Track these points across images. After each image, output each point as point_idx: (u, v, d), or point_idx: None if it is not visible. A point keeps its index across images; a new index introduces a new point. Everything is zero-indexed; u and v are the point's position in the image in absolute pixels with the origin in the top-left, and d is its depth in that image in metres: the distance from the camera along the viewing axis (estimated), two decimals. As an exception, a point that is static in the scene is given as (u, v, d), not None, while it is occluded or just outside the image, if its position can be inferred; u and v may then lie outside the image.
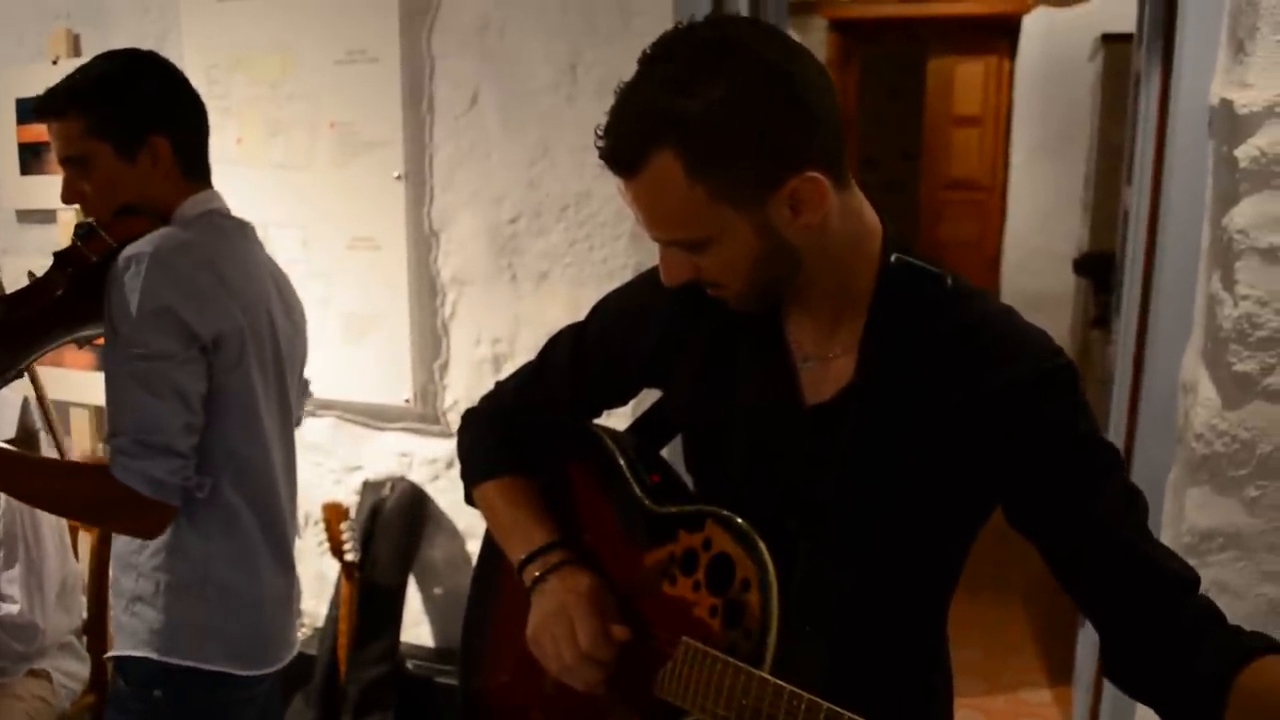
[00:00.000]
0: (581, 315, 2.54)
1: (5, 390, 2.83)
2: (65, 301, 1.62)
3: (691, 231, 1.06)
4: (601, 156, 1.08)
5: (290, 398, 1.87)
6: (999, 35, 7.37)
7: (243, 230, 1.81)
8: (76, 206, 2.93)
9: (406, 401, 2.75)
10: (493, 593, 1.48)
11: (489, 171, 2.60)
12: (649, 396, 1.41)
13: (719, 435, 1.24)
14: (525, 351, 2.63)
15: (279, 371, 1.80)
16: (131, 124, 1.66)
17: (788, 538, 1.11)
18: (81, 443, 3.13)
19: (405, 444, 2.82)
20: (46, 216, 3.15)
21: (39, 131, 3.11)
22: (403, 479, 2.81)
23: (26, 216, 3.21)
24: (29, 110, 3.15)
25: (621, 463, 1.32)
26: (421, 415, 2.78)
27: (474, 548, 2.83)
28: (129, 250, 1.58)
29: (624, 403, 1.43)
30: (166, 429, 1.55)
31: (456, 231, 2.66)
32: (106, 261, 1.59)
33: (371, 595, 2.67)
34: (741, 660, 1.06)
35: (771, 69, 1.02)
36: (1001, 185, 7.39)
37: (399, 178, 2.66)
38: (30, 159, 3.13)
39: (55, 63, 3.02)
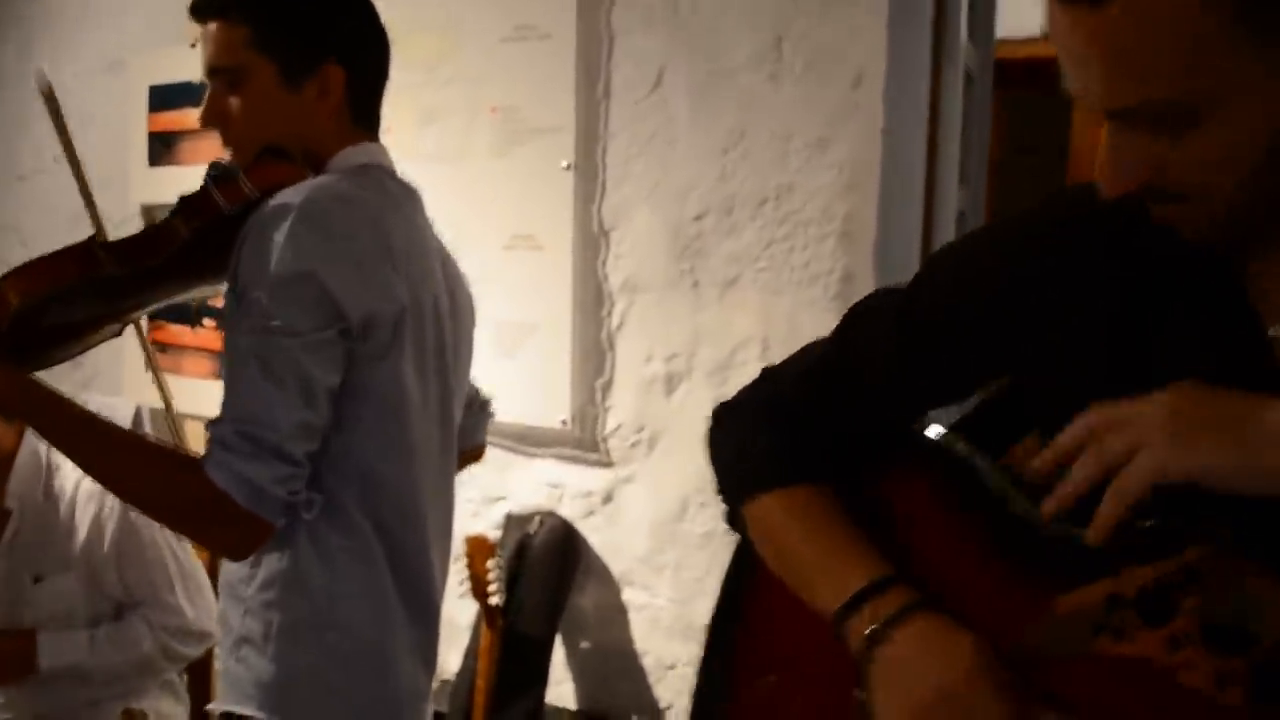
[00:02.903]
0: (776, 328, 2.18)
1: (117, 400, 2.58)
2: (185, 256, 1.32)
3: (1187, 84, 0.69)
4: None
5: (453, 407, 1.53)
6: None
7: (410, 196, 1.50)
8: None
9: (563, 423, 2.40)
10: (747, 637, 1.10)
11: (672, 162, 2.27)
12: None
13: None
14: (705, 369, 2.27)
15: (441, 372, 1.47)
16: (307, 44, 1.37)
17: None
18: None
19: (556, 473, 2.47)
20: (173, 212, 2.91)
21: (171, 120, 2.89)
22: (552, 514, 2.46)
23: (152, 212, 2.98)
24: (161, 97, 2.96)
25: (985, 467, 0.93)
26: (578, 441, 2.43)
27: (630, 596, 2.47)
28: (274, 200, 1.27)
29: (961, 394, 1.04)
30: (279, 425, 1.23)
31: (630, 230, 2.33)
32: (243, 215, 1.29)
33: (515, 646, 2.31)
34: None
35: None
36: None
37: (568, 168, 2.34)
38: (160, 149, 2.92)
39: (194, 46, 2.79)
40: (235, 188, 1.31)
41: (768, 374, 1.12)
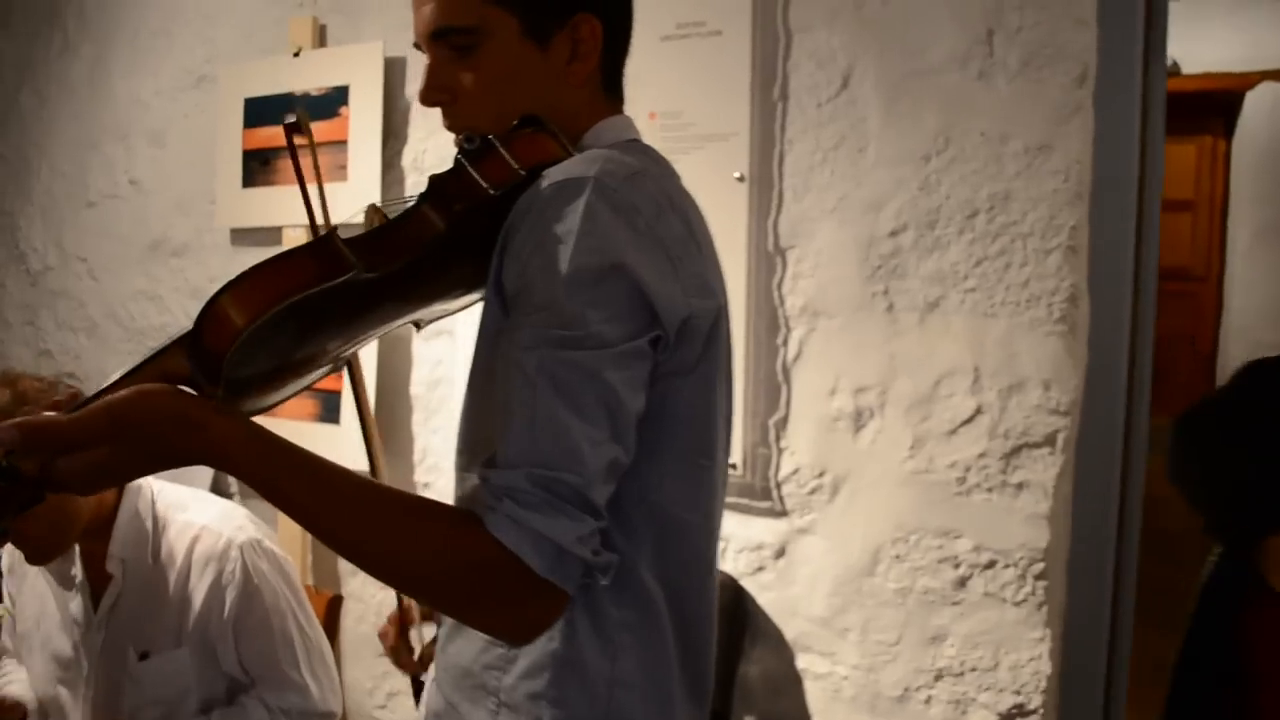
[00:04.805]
0: (988, 355, 1.91)
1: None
2: (441, 253, 1.01)
3: None
4: None
5: (732, 435, 1.27)
6: (1213, 114, 6.77)
7: (678, 177, 1.24)
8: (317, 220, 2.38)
9: (732, 468, 2.13)
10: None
11: (862, 172, 2.02)
12: None
13: None
14: (902, 404, 2.00)
15: (729, 386, 1.21)
16: None
17: None
18: (291, 539, 2.54)
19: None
20: (268, 237, 2.63)
21: (268, 136, 2.64)
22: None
23: (243, 237, 2.72)
24: (257, 112, 2.70)
25: None
26: (746, 487, 2.16)
27: (806, 664, 2.18)
28: (551, 177, 0.99)
29: None
30: (585, 467, 0.94)
31: (812, 248, 2.07)
32: (510, 196, 1.01)
33: (689, 722, 2.02)
34: None
35: None
36: (1217, 275, 6.68)
37: (740, 179, 2.10)
38: (256, 168, 2.64)
39: (297, 55, 2.55)
40: (499, 164, 1.03)
41: (1264, 370, 0.90)
